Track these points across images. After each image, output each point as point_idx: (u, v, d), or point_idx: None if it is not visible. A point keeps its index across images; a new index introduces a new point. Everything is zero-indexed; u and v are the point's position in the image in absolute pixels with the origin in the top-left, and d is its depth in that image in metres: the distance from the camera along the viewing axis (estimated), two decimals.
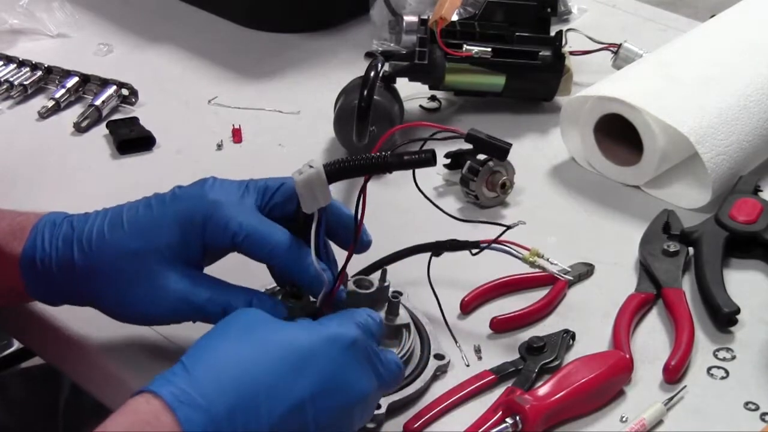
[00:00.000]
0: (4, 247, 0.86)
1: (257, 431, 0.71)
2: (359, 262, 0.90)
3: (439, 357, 0.90)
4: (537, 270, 0.91)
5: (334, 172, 0.81)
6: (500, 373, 0.88)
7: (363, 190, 0.82)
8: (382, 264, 0.93)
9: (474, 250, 0.92)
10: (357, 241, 0.84)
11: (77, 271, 0.84)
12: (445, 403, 0.86)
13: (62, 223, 0.86)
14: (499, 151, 0.90)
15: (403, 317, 0.89)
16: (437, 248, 0.93)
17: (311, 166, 0.81)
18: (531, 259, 0.91)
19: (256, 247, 0.82)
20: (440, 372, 0.89)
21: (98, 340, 0.93)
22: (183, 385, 0.70)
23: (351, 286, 0.88)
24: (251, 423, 0.71)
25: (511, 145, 0.91)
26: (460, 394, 0.86)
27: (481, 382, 0.88)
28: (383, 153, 0.83)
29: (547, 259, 0.92)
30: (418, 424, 0.84)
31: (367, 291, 0.88)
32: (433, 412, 0.85)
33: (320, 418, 0.74)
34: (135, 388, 0.86)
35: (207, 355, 0.73)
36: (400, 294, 0.91)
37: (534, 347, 0.90)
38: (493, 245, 0.91)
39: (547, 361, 0.89)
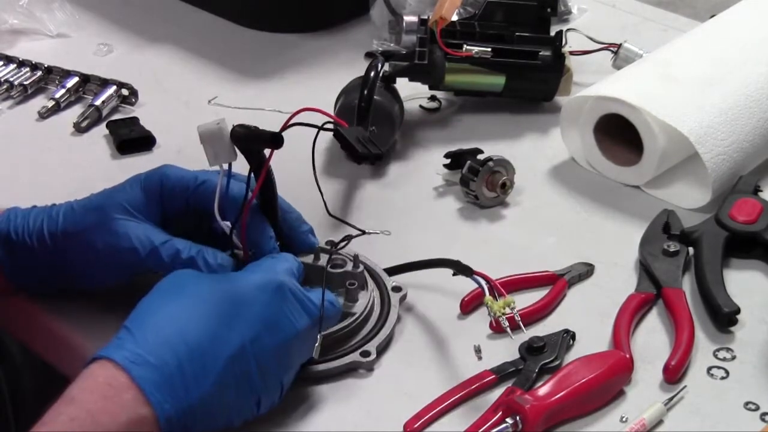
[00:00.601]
0: None
1: (206, 379, 0.76)
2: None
3: (397, 289, 0.94)
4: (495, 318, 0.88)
5: (237, 134, 0.86)
6: (500, 373, 0.88)
7: (267, 160, 0.87)
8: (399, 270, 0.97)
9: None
10: (251, 198, 0.88)
11: (49, 237, 0.91)
12: (446, 403, 0.86)
13: (31, 208, 0.94)
14: (357, 155, 0.94)
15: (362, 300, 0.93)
16: (434, 266, 0.95)
17: (218, 123, 0.86)
18: (499, 312, 0.87)
19: (210, 193, 0.89)
20: (403, 300, 0.94)
21: (100, 341, 0.93)
22: (132, 347, 0.75)
23: (323, 261, 0.92)
24: (199, 372, 0.76)
25: (375, 153, 0.94)
26: (460, 394, 0.86)
27: (482, 382, 0.88)
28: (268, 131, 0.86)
29: (513, 310, 0.88)
30: (418, 424, 0.84)
31: (339, 270, 0.93)
32: (433, 412, 0.85)
33: (261, 358, 0.79)
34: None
35: (148, 317, 0.78)
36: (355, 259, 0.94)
37: (534, 347, 0.90)
38: (478, 280, 0.90)
39: (547, 361, 0.89)
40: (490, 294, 0.89)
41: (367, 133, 0.96)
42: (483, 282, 0.90)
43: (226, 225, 0.88)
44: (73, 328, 0.95)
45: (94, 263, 0.91)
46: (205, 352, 0.77)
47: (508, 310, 0.87)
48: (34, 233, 0.91)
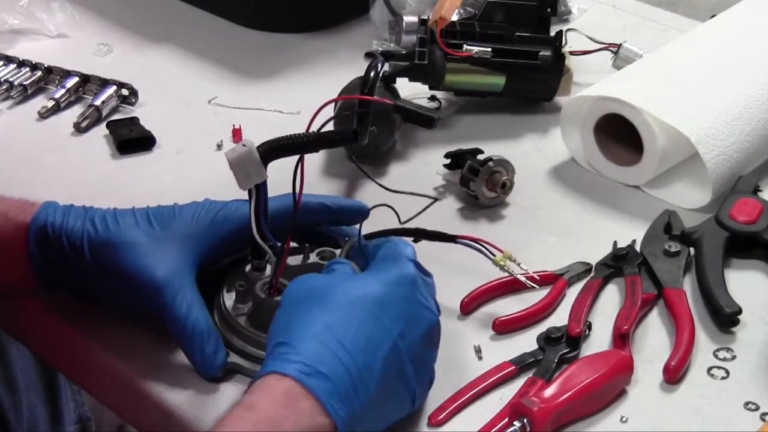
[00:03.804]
0: (15, 217, 0.91)
1: (371, 381, 0.77)
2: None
3: None
4: (506, 274, 0.94)
5: (266, 150, 0.86)
6: (520, 364, 0.89)
7: (301, 167, 0.86)
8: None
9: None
10: (297, 214, 0.88)
11: (86, 242, 0.89)
12: (468, 395, 0.86)
13: (71, 206, 0.92)
14: (425, 119, 0.94)
15: None
16: (416, 235, 0.95)
17: (244, 145, 0.85)
18: (501, 262, 0.93)
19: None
20: None
21: (99, 341, 0.93)
22: (298, 358, 0.76)
23: (314, 257, 0.93)
24: (365, 376, 0.77)
25: (437, 115, 0.95)
26: (482, 385, 0.87)
27: (502, 373, 0.88)
28: (311, 132, 0.87)
29: (519, 264, 0.93)
30: (442, 416, 0.85)
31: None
32: (457, 403, 0.85)
33: (411, 352, 0.80)
34: (141, 391, 0.87)
35: (301, 328, 0.78)
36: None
37: (552, 337, 0.90)
38: (468, 243, 0.94)
39: (565, 351, 0.90)
40: (484, 253, 0.93)
41: (414, 103, 0.99)
42: (472, 243, 0.92)
43: (270, 244, 0.88)
44: (74, 328, 0.95)
45: (127, 296, 0.89)
46: (365, 356, 0.77)
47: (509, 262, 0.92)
48: (72, 236, 0.89)
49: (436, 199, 0.97)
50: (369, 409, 0.77)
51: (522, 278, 0.94)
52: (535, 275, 0.94)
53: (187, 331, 0.87)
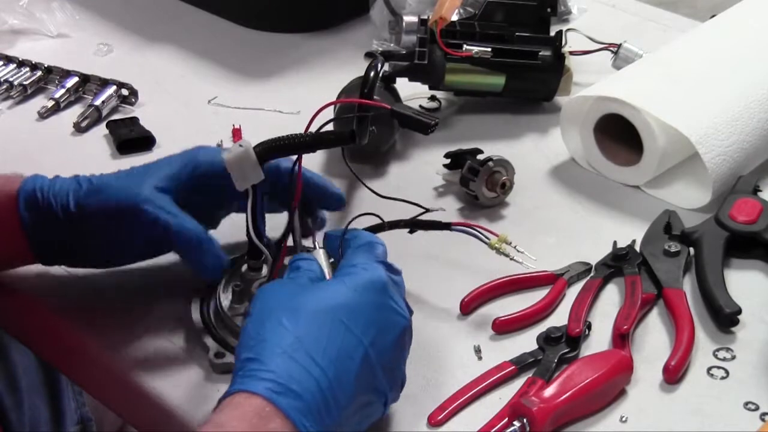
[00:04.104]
0: (2, 187, 0.93)
1: (344, 395, 0.76)
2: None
3: None
4: (502, 256, 0.94)
5: (263, 151, 0.86)
6: (520, 364, 0.89)
7: (298, 168, 0.87)
8: None
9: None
10: (292, 216, 0.88)
11: (74, 201, 0.91)
12: (468, 395, 0.86)
13: (57, 176, 0.95)
14: (421, 125, 0.94)
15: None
16: (411, 225, 0.96)
17: (241, 146, 0.86)
18: (497, 245, 0.94)
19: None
20: None
21: (97, 339, 0.93)
22: (269, 376, 0.74)
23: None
24: (337, 391, 0.76)
25: (434, 121, 0.95)
26: (482, 385, 0.87)
27: (502, 373, 0.88)
28: (308, 132, 0.87)
29: (515, 247, 0.94)
30: (442, 415, 0.85)
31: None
32: (457, 403, 0.86)
33: (383, 359, 0.79)
34: (140, 390, 0.87)
35: (271, 343, 0.76)
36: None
37: (552, 337, 0.90)
38: (463, 228, 0.95)
39: (565, 351, 0.90)
40: (479, 237, 0.94)
41: (414, 108, 1.01)
42: (467, 229, 0.93)
43: (267, 244, 0.89)
44: (74, 328, 0.95)
45: (118, 235, 0.92)
46: (337, 369, 0.76)
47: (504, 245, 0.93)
48: (59, 195, 0.92)
49: (427, 210, 0.96)
50: (342, 421, 0.76)
51: (518, 259, 0.94)
52: (531, 256, 0.94)
53: (186, 235, 0.89)
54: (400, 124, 1.00)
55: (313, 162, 0.94)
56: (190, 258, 0.91)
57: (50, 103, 1.24)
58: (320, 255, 0.86)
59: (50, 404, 1.24)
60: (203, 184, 0.93)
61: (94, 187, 0.92)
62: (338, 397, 0.76)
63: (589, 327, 0.93)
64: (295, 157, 0.89)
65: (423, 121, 0.95)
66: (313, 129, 0.89)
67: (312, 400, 0.74)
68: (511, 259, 0.94)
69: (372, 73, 1.11)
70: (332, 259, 0.87)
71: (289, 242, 0.90)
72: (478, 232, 0.94)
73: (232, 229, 0.99)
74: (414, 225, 0.96)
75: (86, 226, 0.92)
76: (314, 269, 0.84)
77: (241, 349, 0.77)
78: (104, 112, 1.22)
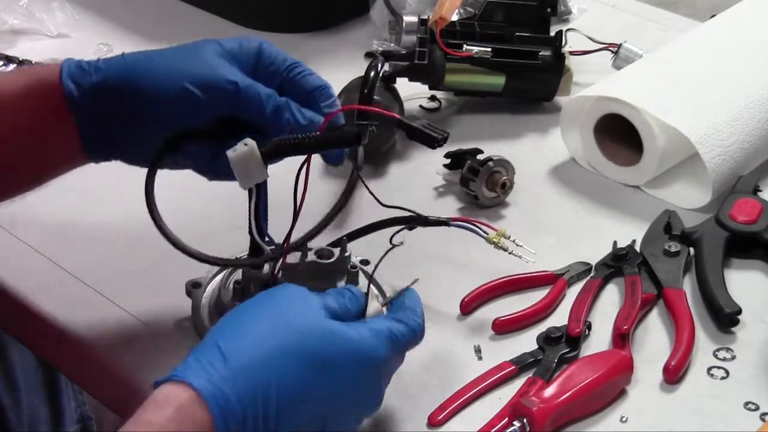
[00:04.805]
0: (42, 71, 0.88)
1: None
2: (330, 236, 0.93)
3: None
4: (500, 250, 0.94)
5: (268, 150, 0.85)
6: (520, 364, 0.89)
7: (306, 168, 0.86)
8: (353, 237, 0.96)
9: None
10: (297, 216, 0.87)
11: (123, 67, 0.87)
12: (468, 395, 0.86)
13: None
14: (428, 139, 0.94)
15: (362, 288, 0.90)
16: (409, 221, 0.95)
17: (246, 144, 0.84)
18: (495, 239, 0.94)
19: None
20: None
21: (97, 339, 0.93)
22: (219, 382, 0.71)
23: (312, 256, 0.92)
24: (277, 427, 0.72)
25: (442, 135, 0.95)
26: (482, 385, 0.87)
27: (502, 373, 0.88)
28: (313, 133, 0.87)
29: (513, 241, 0.95)
30: (442, 415, 0.85)
31: (328, 261, 0.92)
32: (457, 403, 0.86)
33: (339, 422, 0.76)
34: (140, 390, 0.87)
35: (243, 344, 0.73)
36: (367, 263, 0.94)
37: (552, 337, 0.90)
38: (461, 223, 0.95)
39: (565, 351, 0.90)
40: (477, 232, 0.94)
41: (423, 120, 1.01)
42: (465, 224, 0.94)
43: (268, 243, 0.89)
44: (73, 328, 0.95)
45: (175, 96, 0.86)
46: (287, 410, 0.72)
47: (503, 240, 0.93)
48: (109, 61, 0.88)
49: (426, 218, 0.96)
50: None
51: (517, 253, 0.94)
52: (530, 250, 0.95)
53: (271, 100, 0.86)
54: (408, 136, 0.99)
55: (313, 162, 0.94)
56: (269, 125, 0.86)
57: None
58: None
59: (49, 403, 1.24)
60: (264, 76, 0.89)
61: (146, 59, 0.87)
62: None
63: (589, 327, 0.93)
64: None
65: (431, 135, 0.95)
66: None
67: (244, 423, 0.71)
68: (510, 253, 0.94)
69: (372, 73, 1.11)
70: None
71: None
72: (477, 227, 0.94)
73: (232, 228, 0.99)
74: (412, 221, 0.95)
75: (141, 100, 0.87)
76: (353, 306, 0.81)
77: (214, 338, 0.74)
78: None
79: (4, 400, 1.17)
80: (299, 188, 0.86)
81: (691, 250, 1.00)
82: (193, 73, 0.86)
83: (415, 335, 0.81)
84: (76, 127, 0.88)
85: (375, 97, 1.10)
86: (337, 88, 1.16)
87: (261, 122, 0.87)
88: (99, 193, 1.10)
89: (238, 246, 0.93)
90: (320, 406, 0.74)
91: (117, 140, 0.90)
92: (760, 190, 1.07)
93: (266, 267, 0.91)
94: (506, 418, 0.83)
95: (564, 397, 0.83)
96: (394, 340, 0.79)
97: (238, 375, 0.72)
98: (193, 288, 0.93)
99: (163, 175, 1.13)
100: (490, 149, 1.11)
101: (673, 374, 0.88)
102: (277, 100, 0.87)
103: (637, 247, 1.01)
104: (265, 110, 0.87)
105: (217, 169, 0.90)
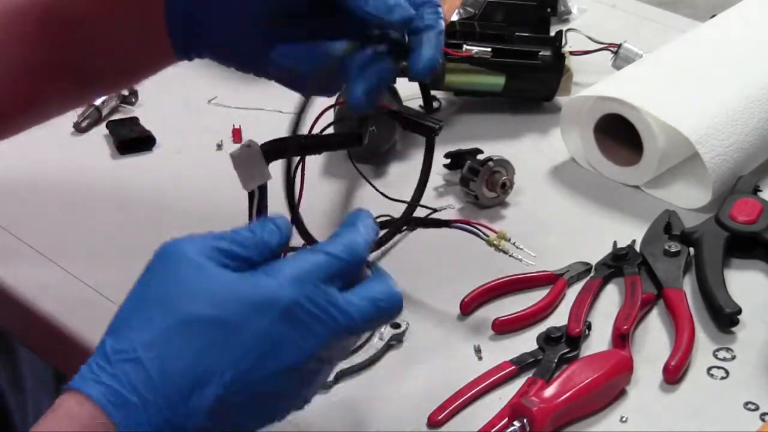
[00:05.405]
0: None
1: (195, 417, 0.67)
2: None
3: (395, 326, 0.91)
4: (501, 253, 0.95)
5: (269, 151, 0.85)
6: (520, 364, 0.89)
7: (302, 168, 0.87)
8: None
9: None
10: (297, 216, 0.87)
11: None
12: (468, 395, 0.86)
13: None
14: (425, 129, 0.94)
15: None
16: (410, 222, 0.96)
17: (248, 146, 0.85)
18: (495, 242, 0.94)
19: None
20: (395, 341, 0.91)
21: (97, 339, 0.93)
22: (110, 381, 0.66)
23: None
24: (187, 410, 0.66)
25: (438, 125, 0.95)
26: (482, 385, 0.87)
27: (502, 373, 0.88)
28: (315, 134, 0.87)
29: (514, 243, 0.95)
30: (442, 415, 0.85)
31: None
32: (457, 403, 0.86)
33: (263, 385, 0.68)
34: None
35: (130, 337, 0.67)
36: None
37: (552, 337, 0.90)
38: (462, 225, 0.95)
39: (565, 351, 0.90)
40: (478, 234, 0.94)
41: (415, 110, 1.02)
42: (466, 226, 0.94)
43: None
44: (73, 327, 0.95)
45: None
46: (191, 390, 0.66)
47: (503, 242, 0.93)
48: None
49: (434, 210, 0.96)
50: None
51: (517, 256, 0.94)
52: (530, 252, 0.95)
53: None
54: (403, 127, 1.00)
55: (314, 162, 0.94)
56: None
57: None
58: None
59: None
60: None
61: None
62: (189, 416, 0.66)
63: (589, 327, 0.93)
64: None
65: (426, 125, 0.95)
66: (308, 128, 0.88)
67: (151, 415, 0.66)
68: (510, 255, 0.94)
69: None
70: None
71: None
72: (477, 229, 0.94)
73: (232, 228, 0.99)
74: (414, 222, 0.96)
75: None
76: (272, 239, 0.71)
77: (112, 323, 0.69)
78: (104, 112, 1.22)
79: (9, 400, 1.17)
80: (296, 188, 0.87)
81: (691, 250, 1.00)
82: None
83: (343, 262, 0.71)
84: (164, 20, 0.85)
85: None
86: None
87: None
88: (99, 193, 1.10)
89: None
90: (225, 373, 0.67)
91: (204, 31, 0.85)
92: (760, 190, 1.07)
93: None
94: (506, 418, 0.83)
95: (564, 397, 0.83)
96: (302, 277, 0.69)
97: (126, 368, 0.66)
98: None
99: (163, 175, 1.14)
100: (490, 149, 1.11)
101: (673, 374, 0.88)
102: None
103: (637, 247, 1.01)
104: None
105: (311, 75, 0.85)
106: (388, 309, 0.72)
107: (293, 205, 0.88)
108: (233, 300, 0.68)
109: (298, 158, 0.89)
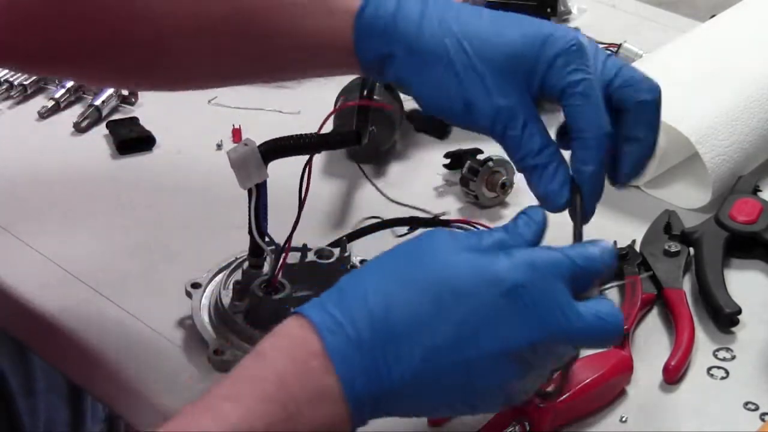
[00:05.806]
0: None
1: (404, 366, 0.69)
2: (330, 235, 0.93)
3: None
4: None
5: (267, 150, 0.86)
6: None
7: (308, 169, 0.86)
8: (353, 237, 0.96)
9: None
10: (301, 211, 0.87)
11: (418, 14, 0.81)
12: None
13: None
14: (439, 128, 0.94)
15: None
16: (410, 223, 0.96)
17: (246, 145, 0.85)
18: None
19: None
20: None
21: (97, 339, 0.93)
22: (333, 310, 0.70)
23: (312, 256, 0.92)
24: (399, 356, 0.69)
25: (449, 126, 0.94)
26: None
27: None
28: (314, 133, 0.87)
29: None
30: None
31: (328, 261, 0.92)
32: None
33: (471, 360, 0.70)
34: (139, 390, 0.87)
35: (365, 280, 0.71)
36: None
37: None
38: (462, 225, 0.97)
39: None
40: None
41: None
42: (467, 226, 0.95)
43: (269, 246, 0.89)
44: (73, 327, 0.95)
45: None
46: (407, 337, 0.69)
47: None
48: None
49: (435, 216, 0.96)
50: (398, 393, 0.69)
51: None
52: None
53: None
54: (416, 128, 1.00)
55: (314, 161, 0.94)
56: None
57: (50, 103, 1.23)
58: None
59: (70, 404, 1.24)
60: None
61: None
62: (399, 362, 0.69)
63: None
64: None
65: (441, 124, 0.95)
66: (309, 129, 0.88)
67: (364, 353, 0.69)
68: None
69: None
70: None
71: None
72: (477, 229, 0.94)
73: (232, 227, 0.99)
74: (414, 223, 0.96)
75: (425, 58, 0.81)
76: (527, 231, 0.78)
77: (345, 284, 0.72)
78: (104, 112, 1.22)
79: (20, 403, 1.17)
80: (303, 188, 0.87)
81: (691, 250, 1.00)
82: None
83: (577, 267, 0.74)
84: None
85: (375, 97, 1.10)
86: (336, 89, 1.17)
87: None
88: (99, 193, 1.10)
89: (239, 246, 0.93)
90: (440, 332, 0.69)
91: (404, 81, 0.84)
92: (760, 190, 1.07)
93: (266, 267, 0.91)
94: (506, 419, 0.83)
95: (564, 397, 0.83)
96: (536, 265, 0.72)
97: (352, 303, 0.70)
98: (193, 288, 0.93)
99: (163, 175, 1.14)
100: (490, 149, 1.11)
101: (673, 374, 0.88)
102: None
103: (637, 247, 1.01)
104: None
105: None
106: (611, 329, 0.72)
107: (301, 204, 0.88)
108: (466, 270, 0.71)
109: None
